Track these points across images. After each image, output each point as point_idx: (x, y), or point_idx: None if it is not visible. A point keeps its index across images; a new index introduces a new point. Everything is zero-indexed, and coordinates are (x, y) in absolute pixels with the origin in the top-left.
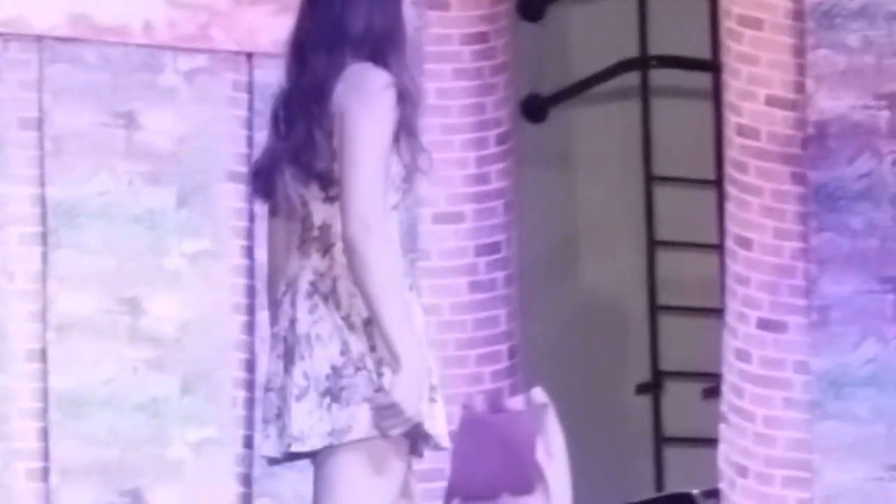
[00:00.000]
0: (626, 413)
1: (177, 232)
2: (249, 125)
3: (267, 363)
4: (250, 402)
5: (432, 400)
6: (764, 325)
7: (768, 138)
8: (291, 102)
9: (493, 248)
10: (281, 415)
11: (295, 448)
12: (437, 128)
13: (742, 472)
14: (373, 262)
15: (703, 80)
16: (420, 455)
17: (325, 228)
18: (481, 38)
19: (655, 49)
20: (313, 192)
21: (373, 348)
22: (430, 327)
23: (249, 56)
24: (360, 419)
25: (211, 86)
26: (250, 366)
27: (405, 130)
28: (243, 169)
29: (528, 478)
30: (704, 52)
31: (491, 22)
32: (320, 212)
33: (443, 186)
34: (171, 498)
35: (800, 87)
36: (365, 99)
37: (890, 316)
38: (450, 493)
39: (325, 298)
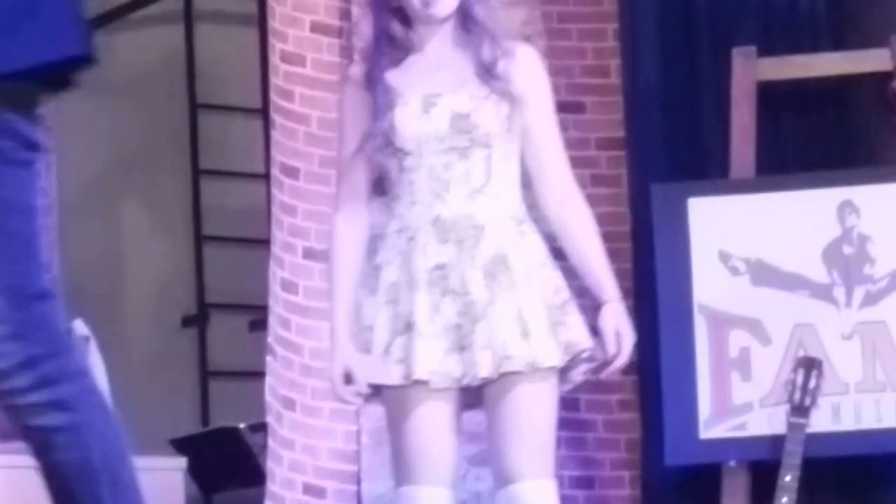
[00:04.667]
0: (171, 346)
1: None
2: None
3: None
4: None
5: (526, 333)
6: (310, 254)
7: (313, 65)
8: None
9: None
10: None
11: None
12: None
13: (289, 405)
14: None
15: (248, 5)
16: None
17: None
18: None
19: None
20: None
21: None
22: None
23: None
24: None
25: None
26: None
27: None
28: None
29: None
30: None
31: None
32: None
33: None
34: None
35: (345, 14)
36: None
37: None
38: None
39: None
